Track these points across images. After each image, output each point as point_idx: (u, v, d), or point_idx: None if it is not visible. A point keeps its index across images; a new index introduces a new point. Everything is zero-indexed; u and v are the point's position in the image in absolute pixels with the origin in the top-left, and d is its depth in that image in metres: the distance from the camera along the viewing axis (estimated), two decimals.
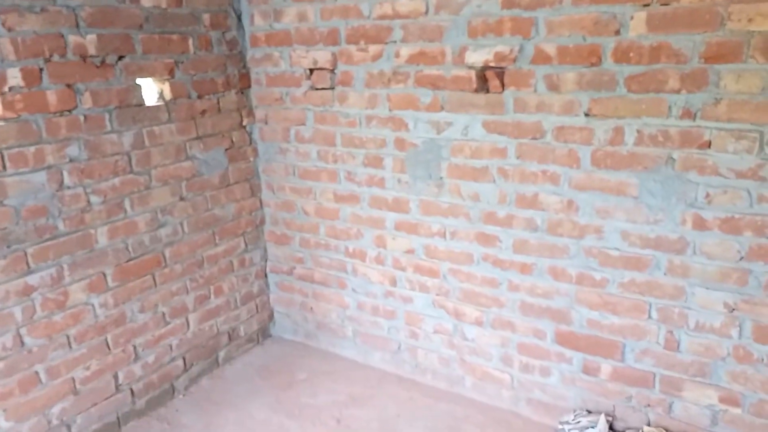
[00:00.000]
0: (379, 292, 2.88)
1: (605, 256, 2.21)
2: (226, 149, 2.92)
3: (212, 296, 2.96)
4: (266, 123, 3.01)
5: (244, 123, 3.00)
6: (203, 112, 2.75)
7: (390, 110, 2.58)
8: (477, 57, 2.28)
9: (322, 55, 2.69)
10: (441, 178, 2.51)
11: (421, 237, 2.66)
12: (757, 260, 1.93)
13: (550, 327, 2.41)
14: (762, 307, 1.95)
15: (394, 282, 2.81)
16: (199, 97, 2.73)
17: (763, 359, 1.99)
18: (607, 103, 2.07)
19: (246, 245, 3.12)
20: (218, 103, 2.84)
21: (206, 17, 2.71)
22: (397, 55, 2.47)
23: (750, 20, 1.77)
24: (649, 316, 2.17)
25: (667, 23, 1.90)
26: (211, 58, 2.76)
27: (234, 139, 2.95)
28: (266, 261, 3.26)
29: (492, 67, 2.27)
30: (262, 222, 3.20)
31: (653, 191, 2.06)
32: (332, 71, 2.69)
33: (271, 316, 3.35)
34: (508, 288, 2.47)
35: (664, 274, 2.10)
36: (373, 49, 2.53)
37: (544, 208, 2.31)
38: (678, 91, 1.93)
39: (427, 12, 2.35)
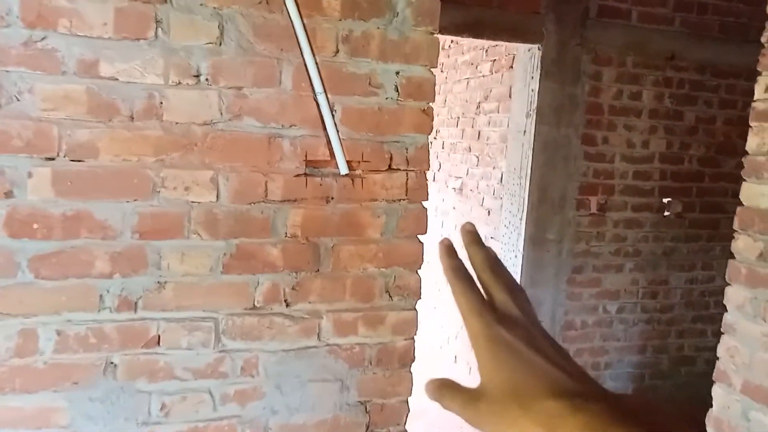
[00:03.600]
0: None
1: None
2: None
3: None
4: None
5: None
6: None
7: None
8: None
9: None
10: None
11: None
12: None
13: None
14: None
15: None
16: None
17: None
18: (7, 295, 1.36)
19: None
20: None
21: None
22: None
23: (187, 189, 1.43)
24: None
25: (85, 185, 1.37)
26: None
27: None
28: None
29: None
30: None
31: (92, 414, 1.44)
32: None
33: None
34: None
35: None
36: None
37: None
38: (110, 276, 1.41)
39: None
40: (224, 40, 1.41)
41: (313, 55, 1.45)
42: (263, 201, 1.48)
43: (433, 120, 1.59)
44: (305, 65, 1.45)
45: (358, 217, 1.55)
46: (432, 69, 1.56)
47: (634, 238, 3.55)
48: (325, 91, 1.47)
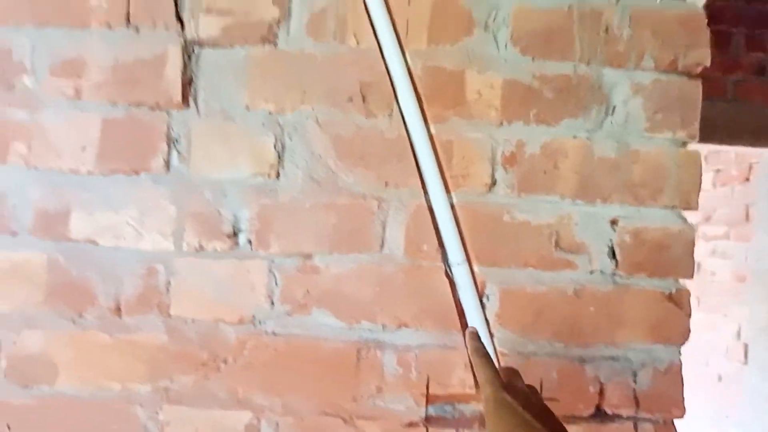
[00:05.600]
0: None
1: None
2: None
3: None
4: None
5: None
6: None
7: None
8: None
9: None
10: None
11: None
12: None
13: None
14: None
15: None
16: None
17: None
18: None
19: None
20: None
21: None
22: None
23: None
24: None
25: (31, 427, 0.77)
26: None
27: None
28: None
29: None
30: None
31: None
32: None
33: None
34: None
35: None
36: None
37: None
38: None
39: None
40: (285, 167, 0.77)
41: (447, 190, 0.76)
42: None
43: (690, 315, 0.78)
44: (430, 210, 0.76)
45: None
46: (689, 214, 0.77)
47: None
48: (468, 260, 0.75)
